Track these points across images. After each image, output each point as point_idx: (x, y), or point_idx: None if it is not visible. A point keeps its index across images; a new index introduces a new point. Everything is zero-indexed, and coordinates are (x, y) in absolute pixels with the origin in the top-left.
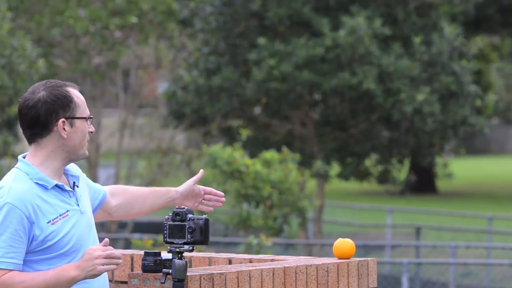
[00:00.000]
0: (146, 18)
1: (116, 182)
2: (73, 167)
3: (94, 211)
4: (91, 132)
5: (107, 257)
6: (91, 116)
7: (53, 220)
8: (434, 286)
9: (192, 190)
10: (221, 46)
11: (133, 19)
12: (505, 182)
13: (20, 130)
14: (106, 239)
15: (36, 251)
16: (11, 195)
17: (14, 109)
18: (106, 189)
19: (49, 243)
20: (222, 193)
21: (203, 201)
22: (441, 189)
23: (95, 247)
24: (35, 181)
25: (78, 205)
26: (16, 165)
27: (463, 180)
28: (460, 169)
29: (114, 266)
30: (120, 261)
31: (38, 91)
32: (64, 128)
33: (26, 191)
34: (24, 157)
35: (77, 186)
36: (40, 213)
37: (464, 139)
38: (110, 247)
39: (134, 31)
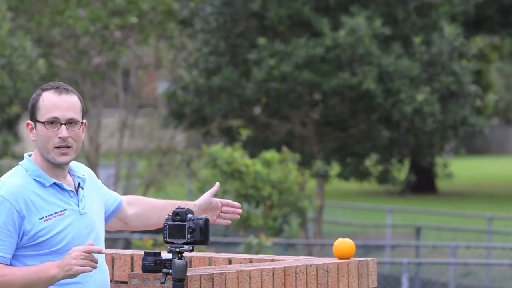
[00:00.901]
0: (146, 18)
1: (116, 182)
2: (82, 169)
3: (108, 218)
4: (61, 137)
5: (86, 258)
6: (52, 122)
7: (46, 216)
8: (434, 286)
9: (209, 203)
10: (221, 46)
11: (133, 19)
12: (505, 182)
13: (20, 130)
14: (90, 242)
15: (27, 246)
16: (4, 189)
17: (14, 109)
18: (122, 198)
19: (41, 239)
20: (238, 204)
21: (221, 214)
22: (441, 189)
23: (77, 248)
24: (34, 178)
25: (78, 206)
26: (20, 162)
27: (463, 180)
28: (460, 169)
29: (89, 268)
30: (96, 265)
31: None
32: (31, 130)
33: (21, 186)
34: (30, 155)
35: (82, 188)
36: (33, 208)
37: (464, 139)
38: (97, 252)
39: (134, 31)
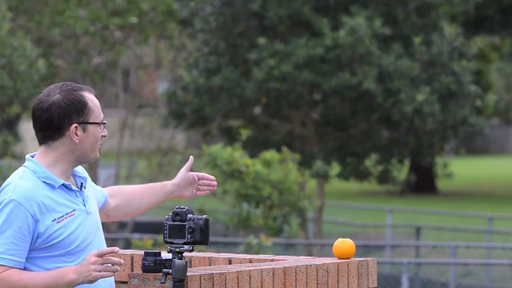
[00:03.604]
0: (146, 18)
1: (116, 182)
2: (80, 169)
3: None
4: (104, 136)
5: (104, 263)
6: (104, 122)
7: (58, 218)
8: (434, 286)
9: (187, 178)
10: (221, 46)
11: (133, 19)
12: (505, 182)
13: (20, 130)
14: (116, 248)
15: (41, 248)
16: (17, 192)
17: (14, 109)
18: (105, 191)
19: (55, 241)
20: (213, 177)
21: (198, 187)
22: (441, 189)
23: (94, 252)
24: (42, 180)
25: (84, 205)
26: (24, 164)
27: (463, 180)
28: (460, 169)
29: (109, 274)
30: (118, 268)
31: (53, 93)
32: (76, 133)
33: (32, 188)
34: (32, 157)
35: (85, 188)
36: (45, 211)
37: (464, 139)
38: (110, 252)
39: (134, 31)
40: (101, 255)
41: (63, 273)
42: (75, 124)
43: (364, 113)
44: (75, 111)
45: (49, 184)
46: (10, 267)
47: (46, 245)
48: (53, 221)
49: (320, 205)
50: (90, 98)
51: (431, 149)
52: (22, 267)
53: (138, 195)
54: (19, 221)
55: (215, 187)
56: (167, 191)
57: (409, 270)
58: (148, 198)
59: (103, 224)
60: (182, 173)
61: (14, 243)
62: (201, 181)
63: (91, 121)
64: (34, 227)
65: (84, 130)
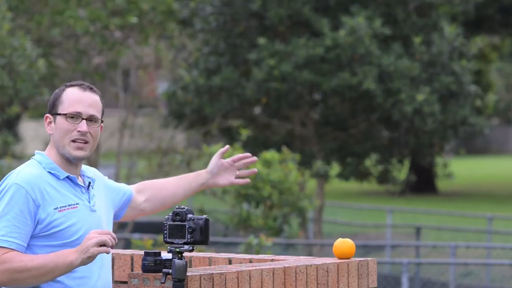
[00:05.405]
0: (146, 18)
1: (116, 182)
2: (90, 171)
3: (122, 210)
4: (80, 131)
5: (101, 234)
6: (73, 116)
7: (60, 207)
8: (434, 286)
9: (221, 164)
10: (221, 46)
11: (133, 19)
12: (505, 182)
13: (20, 130)
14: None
15: (41, 236)
16: (20, 177)
17: (14, 109)
18: (132, 187)
19: (55, 229)
20: (249, 154)
21: (237, 171)
22: (441, 189)
23: (93, 231)
24: (48, 170)
25: (89, 202)
26: (33, 157)
27: (463, 180)
28: (460, 169)
29: (107, 249)
30: (111, 242)
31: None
32: (49, 124)
33: (36, 175)
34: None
35: (92, 188)
36: (48, 197)
37: (464, 139)
38: (107, 232)
39: (134, 31)
40: (100, 233)
41: (63, 255)
42: (46, 115)
43: (364, 113)
44: (51, 103)
45: (54, 175)
46: (12, 249)
47: (46, 233)
48: (54, 209)
49: (320, 205)
50: (71, 91)
51: (431, 149)
52: (23, 251)
53: (171, 187)
54: (20, 204)
55: (256, 170)
56: (202, 179)
57: (409, 270)
58: (183, 187)
59: None
60: (215, 159)
61: (16, 226)
62: (237, 164)
63: (58, 112)
64: (35, 212)
65: (54, 121)
